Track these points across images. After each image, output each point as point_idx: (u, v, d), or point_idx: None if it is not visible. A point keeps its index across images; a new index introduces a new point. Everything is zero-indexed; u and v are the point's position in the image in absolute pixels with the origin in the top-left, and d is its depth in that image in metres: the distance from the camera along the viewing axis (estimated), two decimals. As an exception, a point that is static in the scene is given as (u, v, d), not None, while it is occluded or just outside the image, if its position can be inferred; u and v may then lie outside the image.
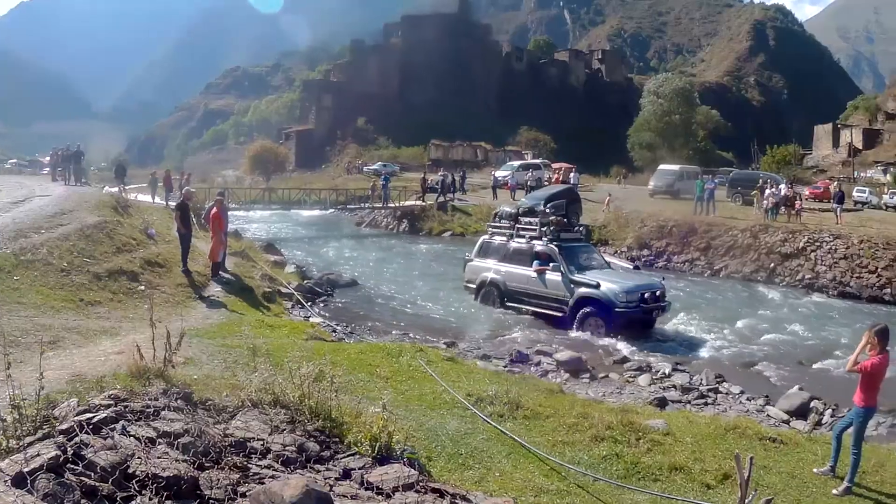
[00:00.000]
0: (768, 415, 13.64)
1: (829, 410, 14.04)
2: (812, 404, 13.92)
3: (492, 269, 21.37)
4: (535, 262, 20.29)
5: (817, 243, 32.14)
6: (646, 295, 19.14)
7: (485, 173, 63.54)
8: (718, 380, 15.82)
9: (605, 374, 15.57)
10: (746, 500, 5.40)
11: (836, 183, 53.53)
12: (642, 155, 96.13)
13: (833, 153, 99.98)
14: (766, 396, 14.94)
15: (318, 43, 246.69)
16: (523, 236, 21.10)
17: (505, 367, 14.99)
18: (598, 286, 19.00)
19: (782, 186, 40.99)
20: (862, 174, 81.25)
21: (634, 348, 18.06)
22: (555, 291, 19.82)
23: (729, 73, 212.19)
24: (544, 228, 20.89)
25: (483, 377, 11.01)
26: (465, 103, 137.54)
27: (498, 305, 21.12)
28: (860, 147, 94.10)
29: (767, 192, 37.81)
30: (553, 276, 19.83)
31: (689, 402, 14.11)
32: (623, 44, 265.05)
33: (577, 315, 19.14)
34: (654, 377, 15.80)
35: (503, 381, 10.86)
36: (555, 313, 19.81)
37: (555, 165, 65.25)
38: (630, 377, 15.64)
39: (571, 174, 56.34)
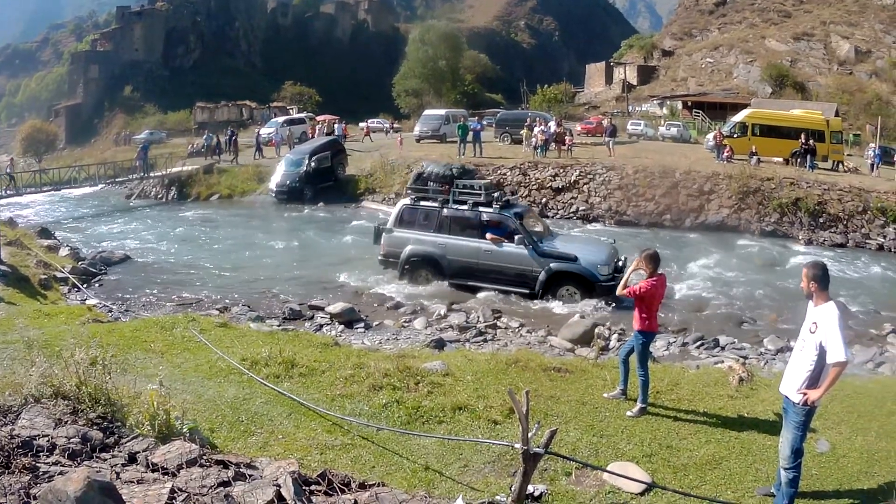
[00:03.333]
0: (551, 345, 14.53)
1: (616, 335, 15.31)
2: (596, 330, 15.03)
3: (424, 240, 19.50)
4: (487, 232, 19.04)
5: (590, 176, 35.35)
6: (619, 263, 19.03)
7: (251, 132, 63.54)
8: (496, 316, 16.69)
9: (379, 322, 16.18)
10: (529, 434, 5.55)
11: (608, 117, 57.70)
12: (409, 102, 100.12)
13: (606, 90, 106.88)
14: (548, 327, 15.98)
15: (85, 12, 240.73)
16: (463, 202, 19.34)
17: (279, 325, 15.25)
18: (576, 259, 18.29)
19: (552, 124, 44.06)
20: (638, 108, 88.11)
21: (409, 291, 19.06)
22: (518, 265, 18.62)
23: (498, 18, 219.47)
24: (496, 194, 20.03)
25: (257, 339, 11.25)
26: (231, 63, 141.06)
27: (432, 283, 19.63)
28: (635, 83, 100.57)
29: (537, 129, 40.55)
30: (515, 249, 18.62)
31: (468, 340, 14.84)
32: None
33: (556, 291, 18.43)
34: (429, 319, 16.55)
35: (277, 341, 11.05)
36: (519, 290, 18.72)
37: (319, 118, 67.03)
38: (405, 322, 16.30)
39: (336, 126, 58.14)
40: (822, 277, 6.53)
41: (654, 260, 9.00)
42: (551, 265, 18.33)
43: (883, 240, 32.46)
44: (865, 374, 13.04)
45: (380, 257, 20.39)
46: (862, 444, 8.52)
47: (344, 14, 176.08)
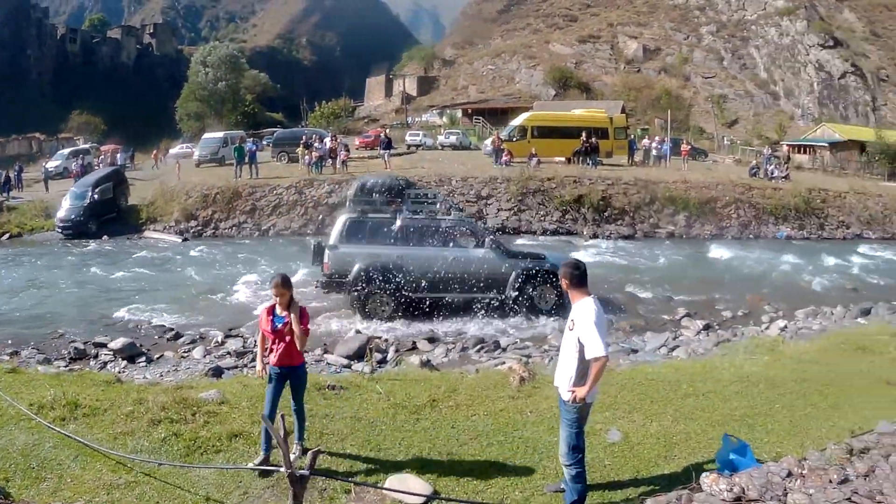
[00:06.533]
0: (328, 363, 14.56)
1: (392, 348, 15.48)
2: (370, 345, 14.84)
3: (379, 254, 18.49)
4: (452, 240, 18.72)
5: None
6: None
7: (40, 165, 60.62)
8: None
9: (160, 354, 15.91)
10: (292, 458, 5.77)
11: (384, 130, 58.64)
12: (190, 125, 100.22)
13: (386, 102, 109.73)
14: (325, 345, 15.97)
15: None
16: (418, 211, 19.07)
17: (66, 366, 14.81)
18: (545, 258, 18.81)
19: (326, 140, 44.29)
20: (417, 119, 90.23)
21: (184, 322, 18.66)
22: (488, 269, 18.37)
23: (281, 36, 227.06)
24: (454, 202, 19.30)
25: (44, 382, 10.98)
26: (22, 92, 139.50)
27: (390, 304, 18.53)
28: (414, 94, 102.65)
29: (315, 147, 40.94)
30: (483, 253, 18.54)
31: (245, 366, 14.69)
32: (177, 15, 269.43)
33: (528, 293, 18.33)
34: (207, 347, 16.38)
35: (62, 383, 10.89)
36: (490, 296, 18.39)
37: (103, 148, 66.02)
38: (185, 352, 16.06)
39: (119, 155, 57.25)
40: (575, 275, 6.66)
41: (284, 284, 7.82)
42: (522, 265, 18.44)
43: (674, 227, 34.62)
44: (659, 360, 13.60)
45: (322, 279, 18.95)
46: (658, 429, 8.80)
47: (129, 38, 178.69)
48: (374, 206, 18.95)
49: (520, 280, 18.30)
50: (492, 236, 19.16)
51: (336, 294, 19.37)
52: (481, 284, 18.36)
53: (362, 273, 18.19)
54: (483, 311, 18.12)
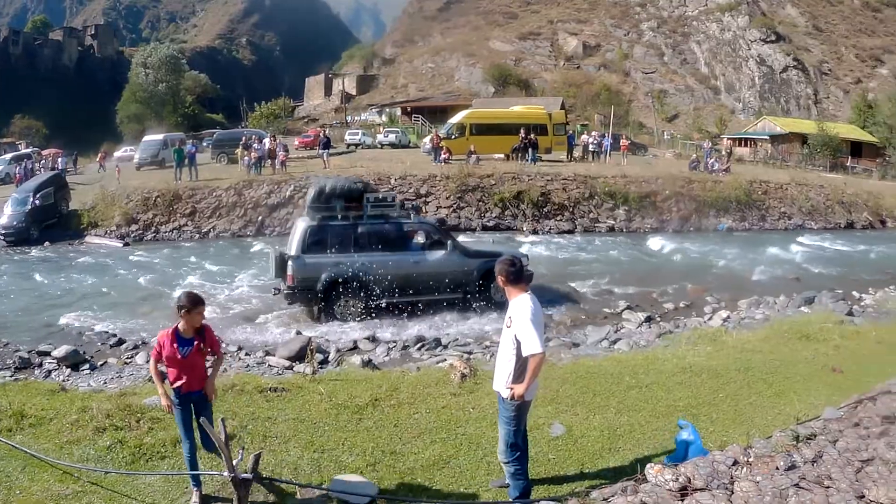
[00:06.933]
0: (270, 365, 14.43)
1: (334, 347, 15.45)
2: (310, 346, 14.43)
3: (344, 262, 18.02)
4: (413, 242, 18.83)
5: (304, 190, 34.74)
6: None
7: None
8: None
9: (104, 361, 15.74)
10: (234, 462, 5.71)
11: (323, 130, 58.23)
12: (131, 128, 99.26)
13: (325, 101, 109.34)
14: (266, 347, 15.89)
15: None
16: (379, 216, 18.63)
17: (11, 376, 14.51)
18: (502, 255, 18.24)
19: (266, 140, 44.20)
20: (357, 118, 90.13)
21: (127, 327, 18.45)
22: (452, 270, 18.45)
23: (221, 36, 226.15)
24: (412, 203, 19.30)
25: None
26: None
27: (358, 308, 18.23)
28: (354, 93, 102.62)
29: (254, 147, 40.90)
30: (446, 255, 18.57)
31: None
32: (118, 16, 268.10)
33: (488, 288, 18.57)
34: (149, 353, 15.80)
35: (7, 392, 10.80)
36: (453, 296, 18.59)
37: (45, 152, 65.42)
38: (128, 358, 15.95)
39: (60, 159, 56.43)
40: (511, 272, 6.67)
41: (196, 304, 7.09)
42: (482, 263, 18.47)
43: (614, 222, 34.96)
44: (601, 353, 13.62)
45: (286, 290, 18.18)
46: (601, 422, 8.86)
47: (70, 40, 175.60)
48: (333, 211, 18.46)
49: (480, 278, 18.53)
50: (450, 237, 19.26)
51: (301, 305, 18.85)
52: (447, 284, 18.45)
53: (330, 282, 17.82)
54: (446, 310, 18.37)
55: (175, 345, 6.82)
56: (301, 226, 18.56)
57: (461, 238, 26.12)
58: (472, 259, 18.66)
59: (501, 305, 17.65)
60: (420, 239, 18.81)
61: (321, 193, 18.58)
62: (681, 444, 7.27)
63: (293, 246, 18.19)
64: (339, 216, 18.31)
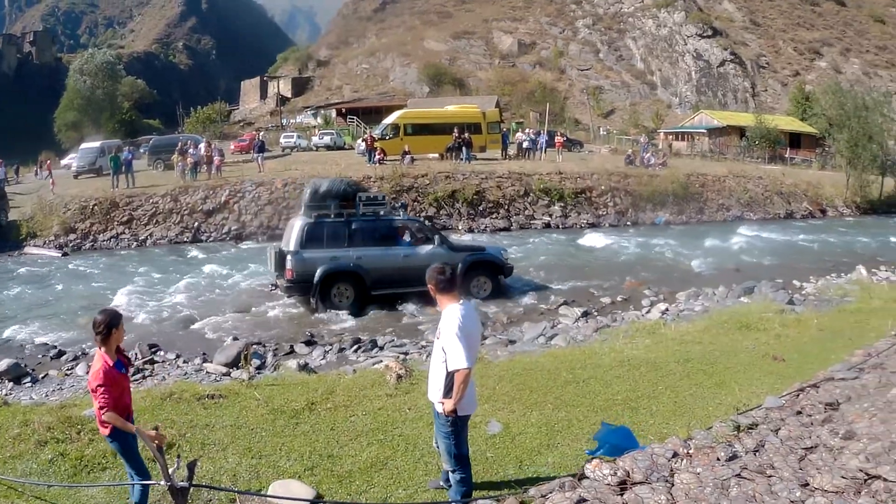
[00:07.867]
0: (208, 372, 14.46)
1: (271, 353, 15.56)
2: (245, 352, 14.64)
3: (339, 256, 19.50)
4: (402, 238, 20.19)
5: (240, 194, 35.54)
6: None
7: None
8: (153, 350, 16.47)
9: (45, 373, 15.63)
10: (170, 471, 5.53)
11: (259, 133, 58.37)
12: (69, 136, 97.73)
13: (261, 105, 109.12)
14: (204, 354, 15.89)
15: None
16: (373, 214, 20.12)
17: None
18: (485, 249, 20.91)
19: (201, 146, 43.62)
20: (292, 120, 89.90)
21: (67, 338, 18.30)
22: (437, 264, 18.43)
23: (158, 41, 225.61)
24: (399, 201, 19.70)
25: None
26: None
27: (351, 301, 19.69)
28: (289, 96, 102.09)
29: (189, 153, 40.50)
30: (433, 249, 19.78)
31: (130, 380, 14.11)
32: (56, 22, 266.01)
33: (471, 282, 20.11)
34: (89, 364, 15.31)
35: None
36: None
37: None
38: (68, 370, 15.84)
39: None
40: (441, 280, 6.39)
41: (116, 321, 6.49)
42: (467, 257, 20.05)
43: (549, 218, 35.23)
44: (537, 349, 13.64)
45: (285, 284, 19.81)
46: (538, 418, 8.82)
47: (10, 47, 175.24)
48: (327, 210, 19.77)
49: (466, 270, 19.82)
50: (437, 232, 20.65)
51: (299, 296, 20.14)
52: None
53: (323, 276, 19.24)
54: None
55: (120, 370, 6.28)
56: (298, 223, 19.97)
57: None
58: (457, 253, 20.03)
59: (497, 294, 20.57)
60: (408, 235, 20.20)
61: (315, 192, 20.28)
62: (605, 447, 7.17)
63: (291, 242, 19.64)
64: (333, 214, 19.68)
